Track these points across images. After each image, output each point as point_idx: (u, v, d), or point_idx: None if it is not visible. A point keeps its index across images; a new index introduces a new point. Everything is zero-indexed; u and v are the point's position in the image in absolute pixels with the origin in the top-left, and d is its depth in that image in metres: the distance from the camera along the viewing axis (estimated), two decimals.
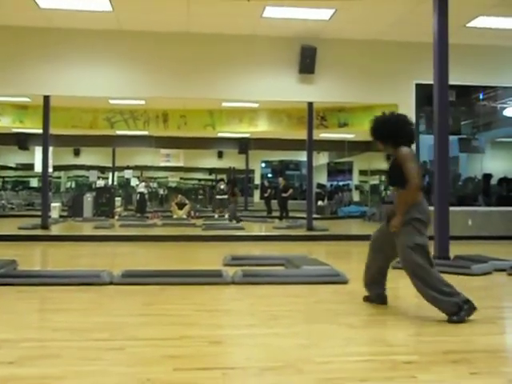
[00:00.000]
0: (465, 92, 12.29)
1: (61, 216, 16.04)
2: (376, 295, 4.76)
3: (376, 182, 22.03)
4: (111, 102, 14.12)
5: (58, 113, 14.00)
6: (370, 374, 2.87)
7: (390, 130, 4.52)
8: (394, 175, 4.45)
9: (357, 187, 22.26)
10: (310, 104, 12.10)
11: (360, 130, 15.37)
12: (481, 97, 12.75)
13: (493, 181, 13.07)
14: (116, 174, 22.62)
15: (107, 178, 22.72)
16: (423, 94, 11.30)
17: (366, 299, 4.81)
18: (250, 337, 3.78)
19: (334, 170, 23.13)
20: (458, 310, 4.15)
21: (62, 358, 3.10)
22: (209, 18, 10.27)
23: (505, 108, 12.80)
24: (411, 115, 11.33)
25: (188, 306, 4.55)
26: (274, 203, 18.21)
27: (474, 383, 2.81)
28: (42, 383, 2.70)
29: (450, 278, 6.26)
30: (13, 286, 5.31)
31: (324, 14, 9.91)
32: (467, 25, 10.31)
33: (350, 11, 9.74)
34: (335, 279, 5.76)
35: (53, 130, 12.05)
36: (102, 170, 22.80)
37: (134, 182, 22.42)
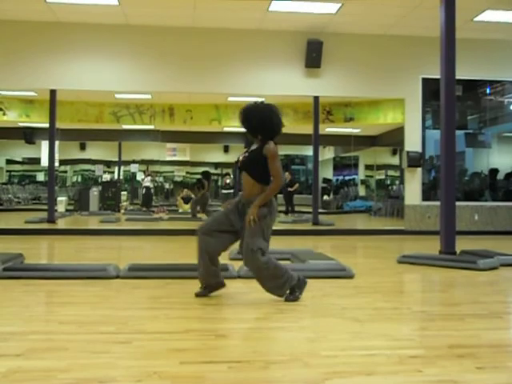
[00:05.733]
0: (471, 86, 12.24)
1: (67, 210, 16.06)
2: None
3: (382, 176, 21.97)
4: (117, 96, 14.12)
5: (64, 107, 14.00)
6: (376, 368, 2.88)
7: (257, 120, 4.56)
8: (256, 165, 4.52)
9: (362, 182, 22.18)
10: (316, 98, 12.07)
11: (366, 125, 15.36)
12: (488, 91, 12.69)
13: (499, 176, 13.02)
14: (122, 168, 22.59)
15: (113, 172, 22.72)
16: (430, 88, 11.26)
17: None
18: (256, 330, 3.80)
19: (340, 165, 23.03)
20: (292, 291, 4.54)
21: (69, 351, 3.11)
22: (215, 13, 10.25)
23: None
24: (418, 110, 11.49)
25: (194, 300, 4.56)
26: (280, 198, 18.19)
27: (479, 378, 2.80)
28: (48, 376, 2.71)
29: (456, 273, 6.28)
30: (20, 280, 5.34)
31: (330, 7, 9.87)
32: (475, 19, 10.26)
33: (356, 5, 9.70)
34: (341, 274, 5.76)
35: (59, 124, 12.05)
36: (108, 164, 22.78)
37: (139, 176, 22.40)
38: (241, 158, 4.66)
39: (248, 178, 4.56)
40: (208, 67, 11.10)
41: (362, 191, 21.69)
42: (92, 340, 3.36)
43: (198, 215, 14.74)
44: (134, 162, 22.80)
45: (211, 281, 4.67)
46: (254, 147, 4.63)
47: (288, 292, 4.54)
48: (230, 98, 14.03)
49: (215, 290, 4.70)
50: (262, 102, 4.72)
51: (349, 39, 11.34)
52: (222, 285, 4.73)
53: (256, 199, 4.45)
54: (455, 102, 7.88)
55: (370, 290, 5.23)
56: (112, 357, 3.03)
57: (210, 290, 4.69)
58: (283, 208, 17.11)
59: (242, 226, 4.51)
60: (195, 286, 4.75)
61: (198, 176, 16.19)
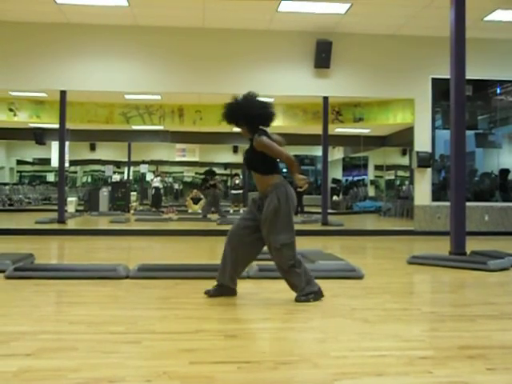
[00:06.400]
0: (482, 86, 12.18)
1: (77, 210, 16.15)
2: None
3: (391, 177, 21.93)
4: (127, 97, 14.17)
5: (75, 108, 14.07)
6: (386, 369, 2.87)
7: (241, 112, 4.60)
8: (254, 160, 4.62)
9: (372, 182, 22.15)
10: (326, 99, 12.06)
11: (376, 125, 15.33)
12: (498, 91, 12.63)
13: (510, 176, 12.95)
14: (131, 168, 22.68)
15: (123, 173, 22.80)
16: (440, 88, 11.22)
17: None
18: (266, 331, 3.79)
19: (349, 165, 23.03)
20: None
21: (79, 351, 3.12)
22: (224, 13, 10.26)
23: None
24: (428, 110, 11.45)
25: (203, 300, 4.56)
26: None
27: (490, 379, 2.79)
28: (58, 375, 2.72)
29: (466, 274, 6.25)
30: (30, 280, 5.36)
31: (340, 8, 9.86)
32: (485, 18, 10.20)
33: (365, 5, 9.68)
34: (350, 274, 5.75)
35: (69, 125, 12.12)
36: (118, 164, 22.88)
37: (149, 177, 22.48)
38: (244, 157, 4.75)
39: (257, 176, 4.63)
40: (217, 68, 11.11)
41: (371, 192, 21.66)
42: (102, 340, 3.37)
43: (208, 215, 14.76)
44: (143, 162, 22.89)
45: (224, 281, 4.67)
46: (249, 145, 4.69)
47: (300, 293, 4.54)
48: None
49: (225, 295, 4.69)
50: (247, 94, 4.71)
51: (358, 39, 11.31)
52: (234, 293, 4.73)
53: (269, 188, 4.50)
54: (465, 102, 7.84)
55: (380, 290, 5.22)
56: (121, 357, 3.04)
57: (220, 292, 4.68)
58: None
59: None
60: (205, 286, 4.76)
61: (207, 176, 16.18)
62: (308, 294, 4.51)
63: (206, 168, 22.70)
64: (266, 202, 4.51)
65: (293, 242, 4.53)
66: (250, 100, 4.65)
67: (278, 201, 4.49)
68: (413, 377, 2.78)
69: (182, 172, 25.04)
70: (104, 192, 17.45)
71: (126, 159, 21.73)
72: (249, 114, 4.58)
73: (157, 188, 18.52)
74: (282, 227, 4.47)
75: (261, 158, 4.54)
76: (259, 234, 4.56)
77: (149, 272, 5.66)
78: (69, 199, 15.47)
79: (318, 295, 4.57)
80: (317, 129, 12.63)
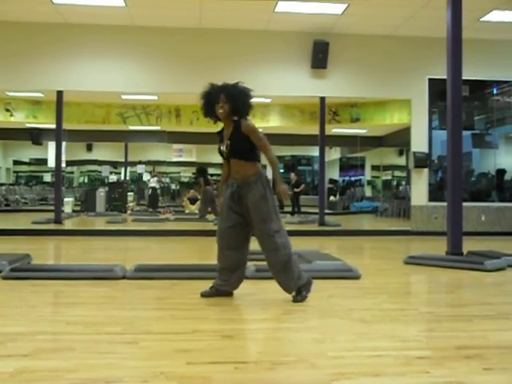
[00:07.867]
0: (478, 87, 12.19)
1: (74, 211, 16.10)
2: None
3: (388, 177, 21.95)
4: (124, 97, 14.16)
5: (71, 108, 14.06)
6: (383, 369, 2.87)
7: (243, 99, 4.55)
8: (240, 146, 4.52)
9: (369, 182, 22.16)
10: (323, 99, 12.06)
11: (372, 126, 15.33)
12: (494, 91, 12.65)
13: (506, 176, 12.97)
14: (128, 168, 22.66)
15: (120, 173, 22.78)
16: (436, 89, 11.23)
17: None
18: (263, 331, 3.79)
19: (346, 166, 23.03)
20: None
21: (75, 352, 3.12)
22: (221, 14, 10.26)
23: None
24: (424, 110, 11.45)
25: (200, 301, 4.56)
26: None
27: (487, 379, 2.79)
28: (55, 376, 2.71)
29: (462, 274, 6.26)
30: (27, 280, 5.35)
31: (336, 8, 9.87)
32: (481, 19, 10.22)
33: (362, 5, 9.69)
34: (347, 274, 5.75)
35: (66, 125, 12.09)
36: (115, 164, 22.85)
37: (146, 177, 22.46)
38: (224, 148, 4.59)
39: (239, 162, 4.52)
40: (214, 68, 11.07)
41: (368, 192, 21.66)
42: (99, 340, 3.37)
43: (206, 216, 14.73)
44: (140, 162, 22.87)
45: (219, 285, 4.67)
46: (228, 133, 4.57)
47: (295, 293, 4.53)
48: None
49: (221, 295, 4.68)
50: (236, 83, 4.63)
51: (355, 40, 11.32)
52: (230, 293, 4.73)
53: (253, 178, 4.45)
54: (462, 103, 7.85)
55: (377, 290, 5.22)
56: (118, 357, 3.03)
57: (216, 293, 4.67)
58: (290, 209, 17.11)
59: (247, 210, 4.51)
60: (202, 286, 4.76)
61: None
62: (301, 292, 4.51)
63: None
64: (246, 190, 4.46)
65: (282, 228, 4.53)
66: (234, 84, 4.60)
67: (264, 189, 4.46)
68: (410, 377, 2.78)
69: (179, 172, 25.02)
70: (101, 192, 17.41)
71: (123, 159, 21.70)
72: (235, 92, 4.52)
73: (154, 188, 18.50)
74: (272, 215, 4.46)
75: (248, 143, 4.48)
76: (243, 230, 4.57)
77: (146, 272, 5.65)
78: (65, 199, 15.43)
79: (307, 285, 4.58)
80: (314, 129, 12.63)
